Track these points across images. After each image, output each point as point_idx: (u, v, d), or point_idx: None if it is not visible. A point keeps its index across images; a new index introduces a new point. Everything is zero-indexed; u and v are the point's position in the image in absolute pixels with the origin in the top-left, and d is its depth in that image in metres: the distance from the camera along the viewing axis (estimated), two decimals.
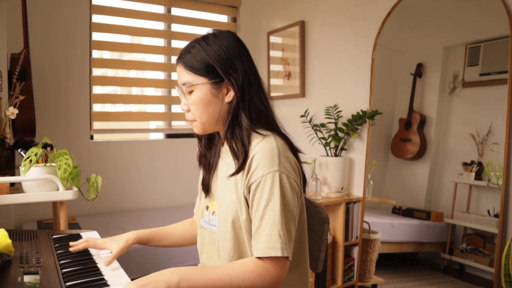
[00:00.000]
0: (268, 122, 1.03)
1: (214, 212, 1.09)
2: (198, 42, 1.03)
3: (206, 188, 1.14)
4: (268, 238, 0.92)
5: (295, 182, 0.97)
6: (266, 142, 0.97)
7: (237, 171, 0.99)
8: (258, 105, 1.03)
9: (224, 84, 1.02)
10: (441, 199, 2.76)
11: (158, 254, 2.24)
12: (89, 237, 1.20)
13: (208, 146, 1.15)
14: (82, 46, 2.86)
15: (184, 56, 1.03)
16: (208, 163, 1.14)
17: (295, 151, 1.04)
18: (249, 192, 0.97)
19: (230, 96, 1.02)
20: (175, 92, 3.27)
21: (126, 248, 1.16)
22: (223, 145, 1.11)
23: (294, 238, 0.98)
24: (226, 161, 1.07)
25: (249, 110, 1.02)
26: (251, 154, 0.97)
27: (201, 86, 1.01)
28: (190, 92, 1.03)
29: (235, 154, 1.00)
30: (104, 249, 1.16)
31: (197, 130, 1.07)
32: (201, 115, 1.03)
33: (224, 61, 1.00)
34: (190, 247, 1.76)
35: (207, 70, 1.01)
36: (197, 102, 1.02)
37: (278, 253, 0.91)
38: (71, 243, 1.17)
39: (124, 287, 0.86)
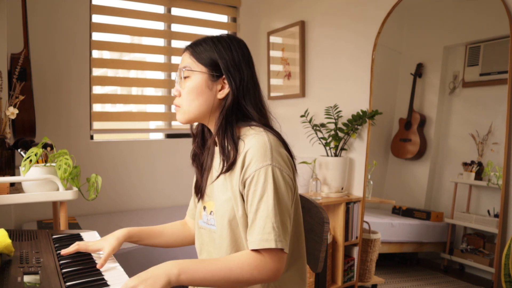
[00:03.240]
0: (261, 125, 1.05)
1: (211, 211, 1.10)
2: (212, 39, 1.07)
3: (199, 191, 1.15)
4: (262, 231, 0.93)
5: (288, 176, 0.99)
6: (259, 138, 0.99)
7: (226, 170, 1.01)
8: (253, 109, 1.05)
9: (220, 81, 1.05)
10: (441, 199, 2.76)
11: (158, 254, 2.24)
12: (79, 242, 1.16)
13: (202, 145, 1.17)
14: (82, 46, 2.86)
15: (194, 46, 1.08)
16: (201, 165, 1.16)
17: (287, 147, 1.05)
18: (244, 187, 0.99)
19: (223, 93, 1.05)
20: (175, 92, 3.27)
21: (117, 246, 1.14)
22: (216, 145, 1.12)
23: (290, 233, 0.99)
24: (219, 162, 1.08)
25: (242, 112, 1.05)
26: (244, 150, 0.99)
27: (199, 74, 1.05)
28: (186, 78, 1.06)
29: (224, 153, 1.02)
30: (96, 250, 1.14)
31: (181, 116, 1.09)
32: (191, 103, 1.05)
33: (229, 61, 1.05)
34: (189, 247, 1.75)
35: (210, 63, 1.05)
36: (190, 89, 1.05)
37: (271, 244, 0.91)
38: (62, 251, 1.13)
39: (125, 283, 0.86)
